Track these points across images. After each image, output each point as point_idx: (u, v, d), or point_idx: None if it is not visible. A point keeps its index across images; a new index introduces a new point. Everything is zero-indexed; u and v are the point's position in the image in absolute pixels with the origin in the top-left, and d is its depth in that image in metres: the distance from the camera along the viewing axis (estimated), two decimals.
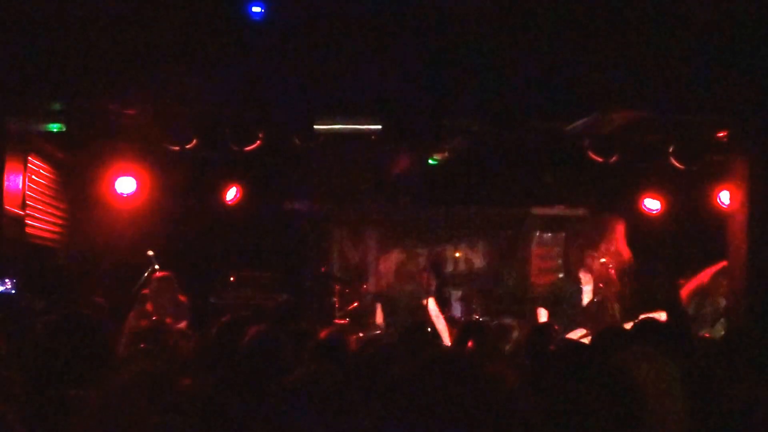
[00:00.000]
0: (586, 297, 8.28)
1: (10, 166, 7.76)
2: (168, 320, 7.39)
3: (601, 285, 8.32)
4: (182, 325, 7.64)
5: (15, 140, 7.89)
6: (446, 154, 8.64)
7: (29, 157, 8.38)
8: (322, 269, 10.77)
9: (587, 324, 7.90)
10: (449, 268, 11.42)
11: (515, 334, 5.86)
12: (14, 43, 6.94)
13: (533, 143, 8.54)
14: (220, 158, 9.07)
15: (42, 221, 8.83)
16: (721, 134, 7.94)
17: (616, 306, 8.02)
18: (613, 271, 8.28)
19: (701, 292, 8.29)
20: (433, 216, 11.16)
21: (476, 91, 7.36)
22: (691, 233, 9.85)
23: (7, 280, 7.18)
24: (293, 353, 4.05)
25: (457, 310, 10.52)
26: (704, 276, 8.11)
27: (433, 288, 8.55)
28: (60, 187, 9.43)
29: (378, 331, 8.52)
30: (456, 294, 10.60)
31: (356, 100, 7.46)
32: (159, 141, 8.03)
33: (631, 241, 10.32)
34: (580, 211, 10.79)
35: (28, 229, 8.34)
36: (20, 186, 8.09)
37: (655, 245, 10.29)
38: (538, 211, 11.23)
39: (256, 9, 6.93)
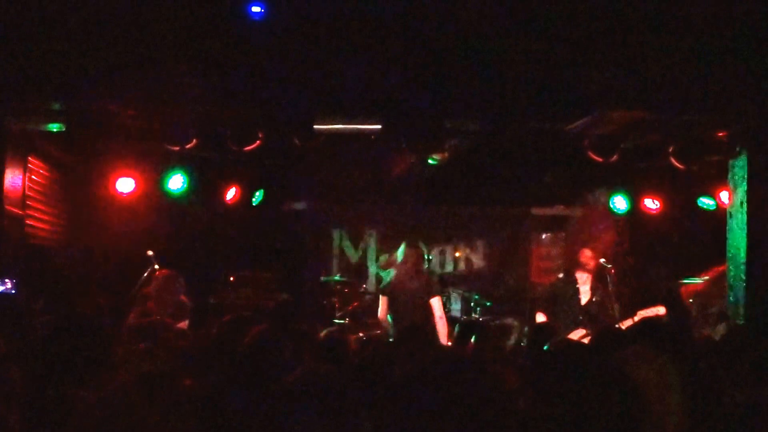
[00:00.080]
0: (585, 297, 8.28)
1: (10, 166, 7.77)
2: (168, 320, 7.39)
3: (599, 285, 8.32)
4: (182, 324, 7.63)
5: (15, 140, 7.89)
6: (446, 154, 8.64)
7: (29, 157, 8.38)
8: (322, 272, 10.79)
9: (587, 324, 7.90)
10: (449, 268, 11.44)
11: (515, 334, 5.86)
12: (14, 43, 6.94)
13: (533, 143, 8.55)
14: (220, 158, 9.07)
15: (42, 221, 8.83)
16: (721, 134, 7.93)
17: (616, 306, 8.02)
18: (613, 271, 8.28)
19: (705, 293, 8.30)
20: (433, 216, 11.17)
21: (476, 92, 7.36)
22: (691, 233, 9.86)
23: (7, 280, 7.18)
24: (293, 353, 4.05)
25: (457, 310, 10.53)
26: (708, 277, 8.11)
27: (438, 287, 8.53)
28: (60, 187, 9.43)
29: (378, 331, 8.51)
30: (456, 294, 10.60)
31: (356, 100, 7.46)
32: (159, 141, 8.03)
33: (632, 241, 10.34)
34: (580, 211, 10.79)
35: (28, 229, 8.34)
36: (20, 186, 8.09)
37: (655, 245, 10.31)
38: (538, 211, 11.24)
39: (256, 9, 6.93)
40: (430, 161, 9.03)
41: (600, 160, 7.98)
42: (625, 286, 9.73)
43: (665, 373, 2.90)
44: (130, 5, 6.99)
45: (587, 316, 8.08)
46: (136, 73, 7.10)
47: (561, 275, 9.06)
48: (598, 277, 8.31)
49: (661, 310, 7.76)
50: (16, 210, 7.95)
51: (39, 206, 8.71)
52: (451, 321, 8.31)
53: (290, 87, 7.34)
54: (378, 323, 8.58)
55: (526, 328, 6.56)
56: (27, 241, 8.32)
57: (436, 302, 8.16)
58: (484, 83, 7.29)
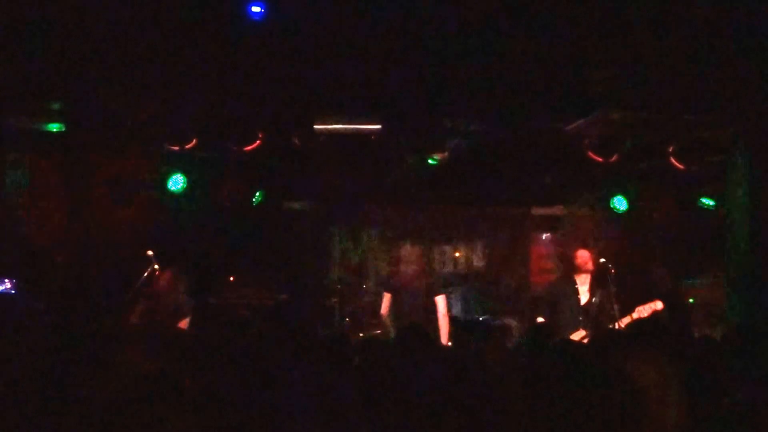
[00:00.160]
0: (584, 297, 8.27)
1: (10, 166, 7.77)
2: (169, 319, 7.39)
3: (599, 285, 8.32)
4: (183, 324, 7.63)
5: (15, 140, 7.89)
6: (446, 154, 8.64)
7: (29, 157, 8.38)
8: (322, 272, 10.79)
9: (587, 324, 7.89)
10: (449, 268, 11.43)
11: (515, 334, 5.86)
12: (14, 43, 6.94)
13: (533, 143, 8.54)
14: (220, 158, 9.07)
15: (42, 221, 8.83)
16: (721, 134, 7.94)
17: (616, 306, 8.01)
18: (613, 271, 8.27)
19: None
20: (433, 216, 11.17)
21: (476, 92, 7.36)
22: (691, 233, 9.86)
23: (6, 280, 7.19)
24: (293, 353, 4.05)
25: (457, 310, 10.52)
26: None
27: (441, 286, 8.53)
28: (60, 187, 9.42)
29: (378, 331, 8.51)
30: (456, 294, 10.60)
31: (356, 100, 7.47)
32: (159, 141, 8.03)
33: (632, 241, 10.33)
34: (580, 211, 10.79)
35: (28, 229, 8.34)
36: (20, 186, 8.09)
37: (655, 245, 10.30)
38: (538, 211, 11.24)
39: (256, 9, 6.93)
40: (430, 161, 9.03)
41: (600, 160, 7.98)
42: (625, 286, 9.73)
43: (665, 373, 2.90)
44: (130, 5, 6.99)
45: (587, 316, 8.07)
46: (136, 73, 7.10)
47: (561, 275, 9.05)
48: (598, 277, 8.30)
49: (658, 305, 7.75)
50: (16, 210, 7.95)
51: (39, 206, 8.71)
52: (451, 321, 8.30)
53: (290, 87, 7.34)
54: (379, 322, 8.57)
55: (526, 328, 6.56)
56: (27, 241, 8.32)
57: (440, 300, 8.14)
58: (484, 83, 7.29)
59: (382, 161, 9.42)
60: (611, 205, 9.99)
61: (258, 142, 7.92)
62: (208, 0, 7.17)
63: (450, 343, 7.65)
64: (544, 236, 11.46)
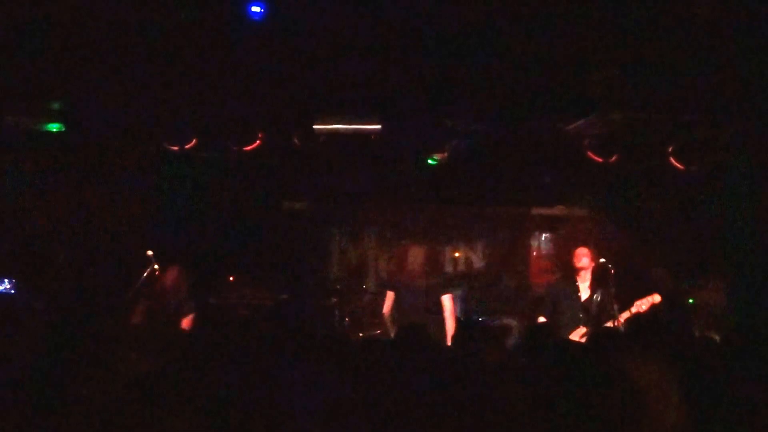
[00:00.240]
0: (585, 296, 8.27)
1: (10, 166, 7.77)
2: (170, 318, 7.40)
3: (599, 284, 8.32)
4: (185, 323, 7.64)
5: (15, 140, 7.90)
6: (446, 154, 8.63)
7: (29, 157, 8.38)
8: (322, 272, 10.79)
9: (587, 323, 7.89)
10: (449, 268, 11.43)
11: (515, 334, 5.86)
12: (14, 43, 6.94)
13: (533, 143, 8.54)
14: (220, 158, 9.07)
15: (42, 221, 8.83)
16: (721, 134, 7.94)
17: (616, 305, 8.01)
18: (613, 271, 8.27)
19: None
20: (433, 216, 11.17)
21: (476, 92, 7.36)
22: (692, 233, 9.86)
23: (6, 280, 7.19)
24: (293, 353, 4.05)
25: (457, 310, 10.52)
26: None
27: (446, 285, 8.51)
28: (60, 187, 9.43)
29: (378, 331, 8.50)
30: (456, 294, 10.59)
31: (356, 100, 7.47)
32: (159, 141, 8.03)
33: (632, 241, 10.33)
34: (580, 211, 10.79)
35: (28, 229, 8.34)
36: (20, 186, 8.10)
37: (655, 245, 10.30)
38: (538, 211, 11.24)
39: (256, 9, 6.92)
40: (430, 161, 9.03)
41: (600, 160, 7.98)
42: (625, 286, 9.72)
43: (665, 373, 2.90)
44: (130, 5, 6.99)
45: (587, 315, 8.07)
46: (136, 73, 7.10)
47: (561, 275, 9.05)
48: (598, 276, 8.30)
49: (656, 298, 7.76)
50: (16, 210, 7.96)
51: (39, 206, 8.71)
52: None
53: (290, 87, 7.34)
54: (379, 322, 8.56)
55: (526, 328, 6.55)
56: (27, 241, 8.33)
57: (446, 299, 8.11)
58: (484, 83, 7.29)
59: (382, 161, 9.42)
60: (609, 204, 9.99)
61: (258, 142, 7.92)
62: (207, 0, 7.17)
63: (450, 343, 7.64)
64: (544, 236, 11.46)
